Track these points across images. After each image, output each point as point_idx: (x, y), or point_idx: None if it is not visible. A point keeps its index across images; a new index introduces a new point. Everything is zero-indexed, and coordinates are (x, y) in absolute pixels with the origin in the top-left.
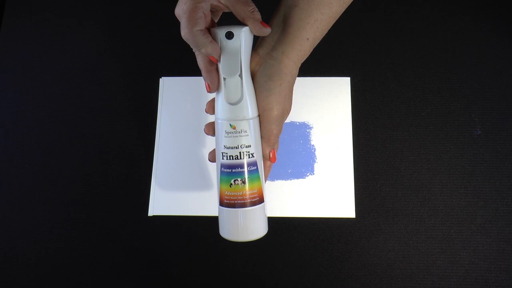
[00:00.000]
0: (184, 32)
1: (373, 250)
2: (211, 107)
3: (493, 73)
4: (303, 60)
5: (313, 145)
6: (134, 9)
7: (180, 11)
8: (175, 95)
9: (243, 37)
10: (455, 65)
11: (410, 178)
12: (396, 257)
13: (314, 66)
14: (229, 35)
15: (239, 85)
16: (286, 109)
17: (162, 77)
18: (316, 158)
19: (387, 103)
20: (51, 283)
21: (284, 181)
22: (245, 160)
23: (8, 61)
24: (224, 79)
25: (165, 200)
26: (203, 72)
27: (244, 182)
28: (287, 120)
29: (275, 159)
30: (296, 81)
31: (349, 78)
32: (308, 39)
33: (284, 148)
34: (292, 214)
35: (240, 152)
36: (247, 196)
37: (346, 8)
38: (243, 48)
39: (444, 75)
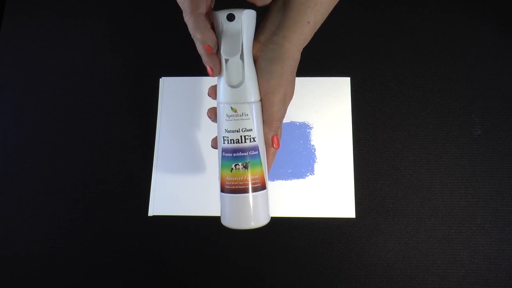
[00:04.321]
0: (185, 14)
1: (373, 250)
2: (213, 91)
3: (493, 73)
4: (304, 45)
5: (313, 145)
6: (134, 9)
7: None
8: (175, 95)
9: (245, 19)
10: (455, 65)
11: (410, 178)
12: (396, 257)
13: (314, 66)
14: (231, 17)
15: (240, 67)
16: (288, 94)
17: (162, 77)
18: (316, 158)
19: (387, 103)
20: (51, 283)
21: (284, 181)
22: (246, 144)
23: (8, 61)
24: (226, 61)
25: (165, 200)
26: (203, 56)
27: (245, 167)
28: (287, 120)
29: (278, 145)
30: (296, 81)
31: (349, 78)
32: (309, 22)
33: (284, 148)
34: (292, 214)
35: (241, 136)
36: (248, 182)
37: (347, 8)
38: (244, 30)
39: (444, 75)
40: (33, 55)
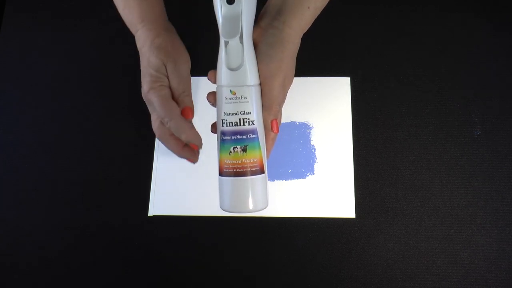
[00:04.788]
0: (165, 120)
1: (373, 250)
2: (213, 75)
3: (493, 73)
4: (305, 30)
5: (313, 145)
6: None
7: (150, 102)
8: None
9: (244, 2)
10: (455, 65)
11: (410, 178)
12: (396, 257)
13: (314, 66)
14: (230, 1)
15: (240, 50)
16: (288, 78)
17: None
18: (316, 158)
19: (387, 103)
20: (50, 283)
21: (284, 181)
22: (245, 127)
23: (8, 61)
24: (226, 44)
25: (165, 200)
26: (177, 153)
27: (243, 150)
28: (287, 120)
29: (277, 129)
30: (296, 81)
31: (349, 78)
32: (309, 7)
33: (284, 148)
34: (292, 214)
35: (240, 119)
36: (246, 165)
37: (347, 8)
38: (244, 12)
39: (444, 75)
40: (33, 55)
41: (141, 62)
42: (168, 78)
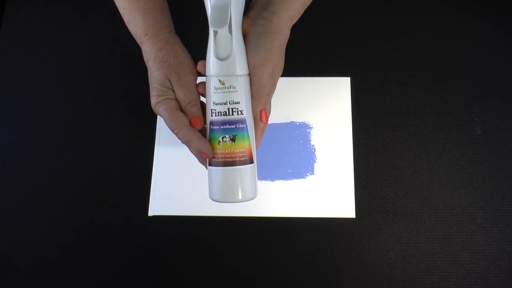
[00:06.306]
0: (174, 131)
1: (373, 250)
2: (202, 66)
3: (493, 73)
4: (294, 21)
5: (313, 145)
6: None
7: (159, 115)
8: None
9: None
10: (454, 65)
11: (410, 178)
12: (396, 257)
13: (314, 66)
14: None
15: (228, 40)
16: (277, 68)
17: None
18: (316, 158)
19: (387, 103)
20: (50, 283)
21: (284, 181)
22: (234, 117)
23: (8, 61)
24: (215, 33)
25: (165, 200)
26: (198, 159)
27: (232, 140)
28: (287, 120)
29: (267, 119)
30: (296, 81)
31: (349, 78)
32: None
33: (284, 148)
34: (292, 214)
35: (228, 109)
36: (235, 155)
37: (346, 8)
38: (232, 2)
39: (444, 75)
40: (33, 55)
41: (148, 75)
42: (173, 90)
